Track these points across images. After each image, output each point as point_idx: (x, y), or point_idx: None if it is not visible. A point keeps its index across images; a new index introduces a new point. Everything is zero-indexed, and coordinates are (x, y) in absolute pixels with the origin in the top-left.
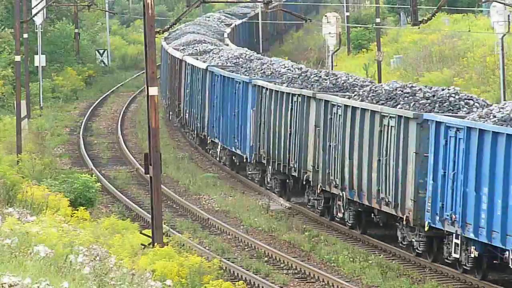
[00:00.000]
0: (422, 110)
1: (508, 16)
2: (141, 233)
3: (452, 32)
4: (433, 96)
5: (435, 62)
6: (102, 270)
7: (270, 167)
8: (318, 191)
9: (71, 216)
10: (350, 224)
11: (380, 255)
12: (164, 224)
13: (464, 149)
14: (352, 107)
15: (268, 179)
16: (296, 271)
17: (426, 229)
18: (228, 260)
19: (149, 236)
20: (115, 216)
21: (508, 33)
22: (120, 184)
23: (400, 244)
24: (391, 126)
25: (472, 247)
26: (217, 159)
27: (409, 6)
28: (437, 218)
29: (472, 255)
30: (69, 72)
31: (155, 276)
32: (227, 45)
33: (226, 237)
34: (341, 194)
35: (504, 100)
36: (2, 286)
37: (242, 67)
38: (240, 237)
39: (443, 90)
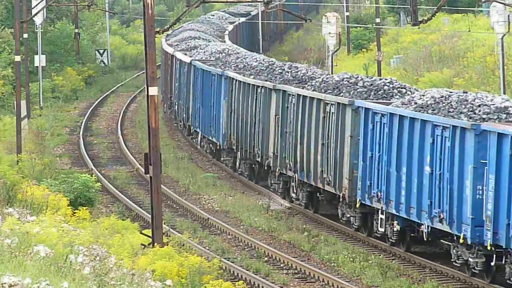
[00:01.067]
0: (359, 98)
1: (508, 16)
2: (141, 233)
3: (452, 32)
4: (371, 85)
5: (435, 62)
6: (102, 270)
7: (239, 153)
8: (277, 175)
9: (71, 216)
10: (303, 204)
11: (380, 255)
12: (164, 224)
13: (388, 133)
14: (303, 96)
15: (238, 165)
16: (296, 271)
17: (357, 205)
18: (228, 260)
19: (149, 236)
20: (115, 216)
21: (508, 33)
22: (120, 184)
23: (341, 220)
24: (332, 112)
25: (395, 221)
26: (199, 147)
27: (409, 6)
28: (366, 195)
29: (395, 229)
30: (69, 72)
31: (155, 276)
32: (224, 41)
33: (226, 237)
34: (294, 176)
35: None
36: (2, 286)
37: (221, 61)
38: (240, 237)
39: (380, 80)
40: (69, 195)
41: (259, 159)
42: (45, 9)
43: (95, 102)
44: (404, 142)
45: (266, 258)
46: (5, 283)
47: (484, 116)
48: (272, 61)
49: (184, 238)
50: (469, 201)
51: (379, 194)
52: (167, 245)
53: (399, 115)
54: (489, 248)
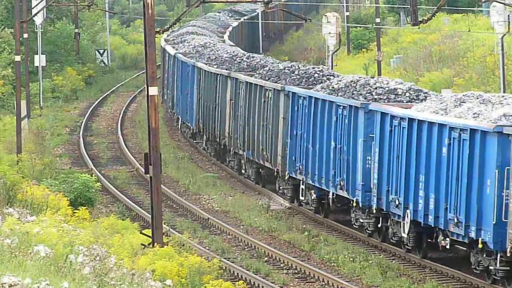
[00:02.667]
0: (292, 84)
1: (508, 16)
2: (141, 233)
3: (452, 32)
4: (304, 73)
5: (435, 62)
6: (102, 270)
7: (205, 135)
8: (232, 154)
9: (71, 216)
10: (253, 180)
11: (380, 255)
12: (164, 224)
13: (307, 113)
14: (248, 82)
15: (205, 145)
16: (296, 271)
17: (286, 178)
18: (228, 260)
19: (149, 236)
20: (115, 216)
21: (508, 33)
22: (120, 184)
23: (279, 193)
24: (270, 97)
25: (312, 191)
26: (180, 132)
27: (409, 6)
28: (292, 169)
29: (312, 197)
30: (69, 72)
31: (155, 276)
32: (224, 41)
33: (226, 237)
34: (243, 155)
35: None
36: (2, 286)
37: (199, 53)
38: (240, 237)
39: (313, 68)
40: (69, 195)
41: (218, 140)
42: (45, 9)
43: (95, 102)
44: (318, 121)
45: (266, 258)
46: (5, 283)
47: (377, 96)
48: (236, 52)
49: (184, 238)
50: (360, 170)
51: (300, 167)
52: (167, 245)
53: (315, 97)
54: (374, 211)
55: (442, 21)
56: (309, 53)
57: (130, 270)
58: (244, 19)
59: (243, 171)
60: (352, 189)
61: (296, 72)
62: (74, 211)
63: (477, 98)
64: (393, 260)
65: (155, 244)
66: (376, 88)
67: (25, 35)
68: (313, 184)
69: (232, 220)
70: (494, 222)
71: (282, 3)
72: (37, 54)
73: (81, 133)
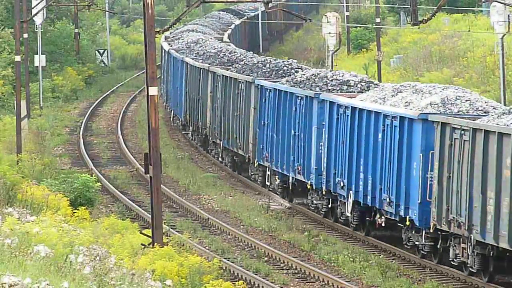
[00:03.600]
0: (262, 77)
1: (508, 16)
2: (141, 233)
3: (452, 32)
4: (274, 66)
5: (435, 62)
6: (102, 270)
7: (191, 126)
8: (211, 143)
9: (71, 216)
10: (229, 167)
11: (380, 255)
12: (164, 224)
13: (272, 104)
14: (224, 76)
15: (191, 136)
16: (296, 271)
17: (256, 165)
18: (228, 260)
19: (149, 236)
20: (115, 216)
21: (508, 33)
22: (120, 184)
23: (251, 178)
24: (242, 89)
25: (276, 176)
26: (173, 124)
27: (409, 6)
28: (260, 156)
29: (277, 182)
30: (69, 72)
31: (155, 276)
32: (222, 39)
33: (226, 237)
34: (220, 144)
35: (504, 100)
36: (2, 286)
37: (190, 49)
38: (240, 237)
39: (283, 62)
40: (69, 195)
41: (201, 130)
42: (45, 9)
43: (95, 102)
44: (281, 111)
45: (266, 258)
46: (5, 283)
47: (331, 88)
48: (221, 48)
49: (184, 238)
50: (313, 155)
51: (267, 154)
52: (167, 245)
53: (278, 89)
54: (324, 192)
55: (442, 21)
56: (309, 53)
57: (130, 270)
58: (244, 19)
59: (220, 159)
60: (307, 173)
61: (268, 66)
62: (74, 211)
63: (412, 88)
64: (393, 260)
65: (155, 244)
66: (332, 80)
67: (25, 35)
68: (277, 169)
69: (232, 220)
70: (419, 201)
71: (282, 3)
72: (37, 54)
73: (81, 133)
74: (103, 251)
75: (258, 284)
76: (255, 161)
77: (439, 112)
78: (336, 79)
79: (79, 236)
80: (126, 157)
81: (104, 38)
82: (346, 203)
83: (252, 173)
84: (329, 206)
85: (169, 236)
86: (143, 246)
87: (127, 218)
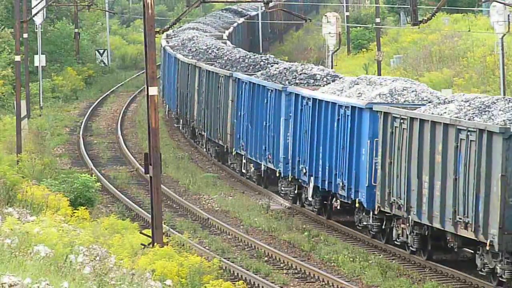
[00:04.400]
0: (241, 71)
1: (508, 16)
2: (141, 233)
3: (452, 32)
4: (252, 61)
5: (435, 62)
6: (102, 270)
7: (181, 119)
8: (198, 135)
9: (71, 216)
10: (213, 156)
11: (380, 255)
12: (164, 224)
13: (247, 96)
14: (208, 70)
15: (181, 127)
16: (296, 271)
17: (234, 154)
18: (228, 260)
19: (149, 236)
20: (115, 216)
21: (508, 33)
22: (120, 184)
23: (230, 167)
24: (221, 83)
25: (251, 164)
26: (167, 117)
27: (409, 6)
28: (237, 146)
29: (252, 170)
30: (69, 72)
31: (155, 276)
32: (224, 41)
33: (226, 237)
34: (205, 135)
35: None
36: (2, 286)
37: (184, 46)
38: (240, 237)
39: (261, 57)
40: (69, 195)
41: (189, 123)
42: (45, 9)
43: (95, 102)
44: (254, 103)
45: (266, 258)
46: (5, 283)
47: (299, 81)
48: (211, 44)
49: (184, 238)
50: (281, 145)
51: (243, 144)
52: (167, 245)
53: (253, 82)
54: (290, 179)
55: (442, 21)
56: (309, 53)
57: (130, 270)
58: (245, 19)
59: (205, 150)
60: (276, 161)
61: (246, 61)
62: (74, 211)
63: (366, 80)
64: (393, 260)
65: (155, 244)
66: (300, 74)
67: (25, 35)
68: (252, 158)
69: (232, 220)
70: (367, 185)
71: (282, 3)
72: (37, 54)
73: (81, 133)
74: (103, 251)
75: (258, 284)
76: (233, 150)
77: (386, 102)
78: (305, 73)
79: (79, 236)
80: (126, 157)
81: (104, 38)
82: (308, 188)
83: (231, 162)
84: (296, 192)
85: (169, 236)
86: (143, 246)
87: (127, 218)
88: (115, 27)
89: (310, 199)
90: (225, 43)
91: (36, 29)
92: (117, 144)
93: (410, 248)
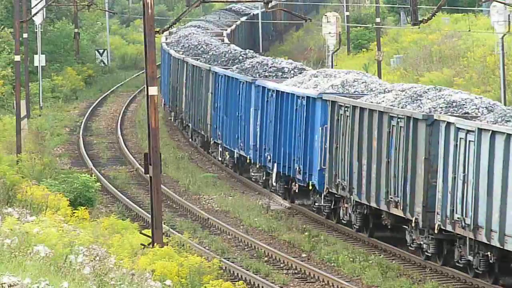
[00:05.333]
0: (221, 65)
1: (508, 16)
2: (141, 233)
3: (452, 32)
4: (232, 56)
5: (435, 62)
6: (102, 270)
7: (173, 112)
8: (185, 126)
9: (71, 216)
10: (200, 146)
11: (380, 255)
12: (164, 224)
13: (223, 88)
14: (192, 65)
15: (173, 120)
16: (296, 271)
17: (212, 143)
18: (228, 260)
19: (149, 236)
20: (115, 216)
21: (508, 33)
22: (120, 184)
23: (212, 155)
24: (203, 76)
25: (227, 152)
26: (163, 110)
27: (409, 6)
28: (215, 135)
29: (227, 158)
30: (68, 72)
31: (155, 276)
32: (221, 38)
33: (226, 237)
34: (190, 126)
35: (505, 100)
36: (2, 286)
37: (178, 42)
38: (240, 237)
39: (241, 52)
40: (69, 195)
41: (178, 115)
42: (44, 9)
43: (95, 102)
44: (228, 94)
45: (266, 258)
46: (4, 283)
47: (268, 74)
48: (201, 40)
49: (184, 238)
50: (251, 133)
51: (219, 133)
52: (167, 245)
53: (227, 75)
54: (258, 166)
55: (442, 21)
56: (309, 53)
57: (130, 270)
58: (246, 18)
59: (191, 140)
60: (247, 149)
61: (227, 55)
62: (74, 211)
63: (324, 73)
64: (393, 260)
65: (155, 244)
66: (270, 67)
67: (25, 35)
68: (227, 146)
69: (232, 220)
70: (318, 169)
71: (282, 2)
72: (37, 54)
73: (80, 133)
74: (102, 251)
75: (258, 284)
76: (212, 140)
77: (337, 92)
78: (274, 66)
79: (79, 236)
80: (126, 157)
81: (104, 38)
82: (271, 174)
83: (211, 151)
84: (264, 178)
85: (169, 236)
86: (143, 246)
87: (127, 218)
88: (115, 27)
89: (274, 184)
90: (222, 40)
91: (36, 29)
92: (117, 144)
93: (354, 226)
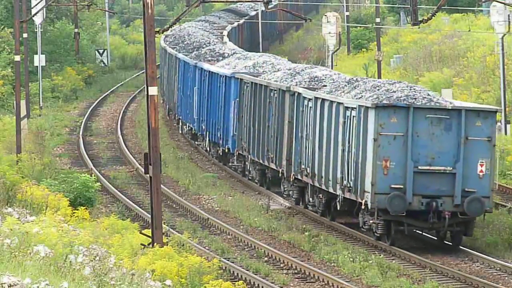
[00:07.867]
0: (203, 60)
1: (508, 15)
2: (141, 233)
3: (452, 32)
4: (213, 52)
5: (435, 62)
6: (102, 270)
7: (168, 106)
8: (177, 118)
9: (71, 216)
10: (189, 137)
11: (380, 255)
12: (164, 224)
13: (207, 82)
14: (183, 61)
15: (168, 115)
16: (296, 271)
17: (198, 135)
18: (228, 260)
19: (148, 236)
20: (115, 216)
21: (508, 33)
22: (120, 184)
23: (200, 146)
24: (191, 70)
25: (211, 144)
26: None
27: (409, 6)
28: (200, 128)
29: (192, 132)
30: (68, 72)
31: (155, 276)
32: (224, 39)
33: (226, 237)
34: (181, 119)
35: (505, 100)
36: (2, 286)
37: (176, 39)
38: (240, 237)
39: (229, 49)
40: (69, 195)
41: (172, 109)
42: (44, 9)
43: (95, 102)
44: (212, 88)
45: (266, 258)
46: (4, 283)
47: (210, 58)
48: (196, 38)
49: (184, 238)
50: (195, 107)
51: (203, 126)
52: (167, 245)
53: (210, 71)
54: (207, 143)
55: (442, 21)
56: (309, 53)
57: (130, 270)
58: (246, 18)
59: (181, 132)
60: (192, 121)
61: (209, 52)
62: (74, 211)
63: (243, 56)
64: (393, 260)
65: (155, 244)
66: (216, 53)
67: (25, 35)
68: (184, 121)
69: (232, 220)
70: (232, 135)
71: (282, 2)
72: (37, 54)
73: (80, 133)
74: (102, 251)
75: (258, 284)
76: (198, 133)
77: (249, 72)
78: (218, 52)
79: (79, 236)
80: (126, 157)
81: (104, 38)
82: (204, 141)
83: (198, 142)
84: (219, 153)
85: (169, 236)
86: (142, 246)
87: (127, 218)
88: (115, 27)
89: (207, 147)
90: (222, 38)
91: (36, 29)
92: (117, 144)
93: (256, 181)
